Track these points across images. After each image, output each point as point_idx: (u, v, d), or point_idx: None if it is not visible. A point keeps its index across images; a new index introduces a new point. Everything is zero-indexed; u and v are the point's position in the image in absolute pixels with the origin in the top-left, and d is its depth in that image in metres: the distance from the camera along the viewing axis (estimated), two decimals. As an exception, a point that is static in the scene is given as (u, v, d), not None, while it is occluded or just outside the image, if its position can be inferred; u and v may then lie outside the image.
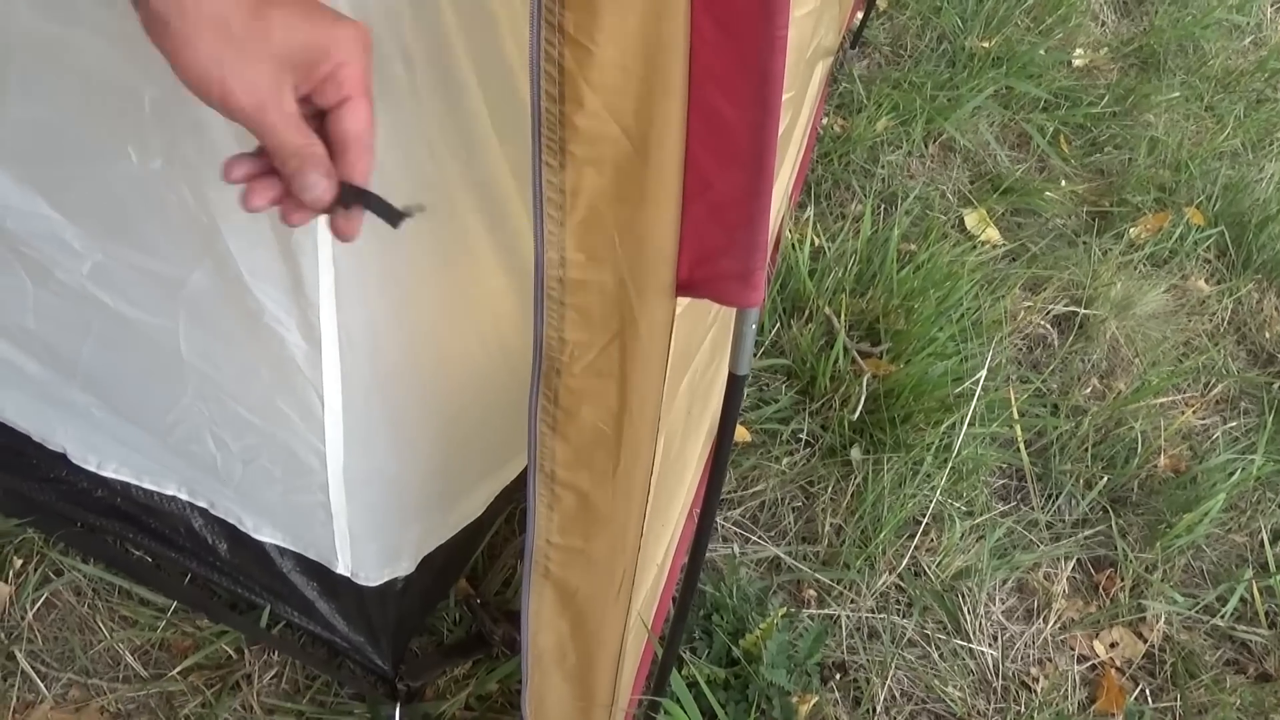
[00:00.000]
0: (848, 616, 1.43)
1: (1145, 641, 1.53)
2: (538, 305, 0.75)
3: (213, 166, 0.84)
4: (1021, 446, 1.68)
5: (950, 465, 1.57)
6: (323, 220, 0.84)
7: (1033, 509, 1.63)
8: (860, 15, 2.50)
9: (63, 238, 0.95)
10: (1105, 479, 1.67)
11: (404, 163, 0.90)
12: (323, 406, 0.97)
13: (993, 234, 2.09)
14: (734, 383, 0.79)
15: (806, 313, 1.76)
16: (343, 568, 1.12)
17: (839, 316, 1.73)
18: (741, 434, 1.57)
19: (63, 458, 1.15)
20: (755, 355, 1.68)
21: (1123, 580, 1.57)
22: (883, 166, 2.17)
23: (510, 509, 1.32)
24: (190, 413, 1.03)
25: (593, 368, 0.77)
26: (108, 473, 1.14)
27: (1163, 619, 1.54)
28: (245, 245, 0.88)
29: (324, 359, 0.94)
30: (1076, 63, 2.65)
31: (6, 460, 1.16)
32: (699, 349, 1.07)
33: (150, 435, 1.08)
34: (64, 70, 0.84)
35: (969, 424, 1.61)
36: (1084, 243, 2.11)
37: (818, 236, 1.91)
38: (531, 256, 1.08)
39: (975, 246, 2.01)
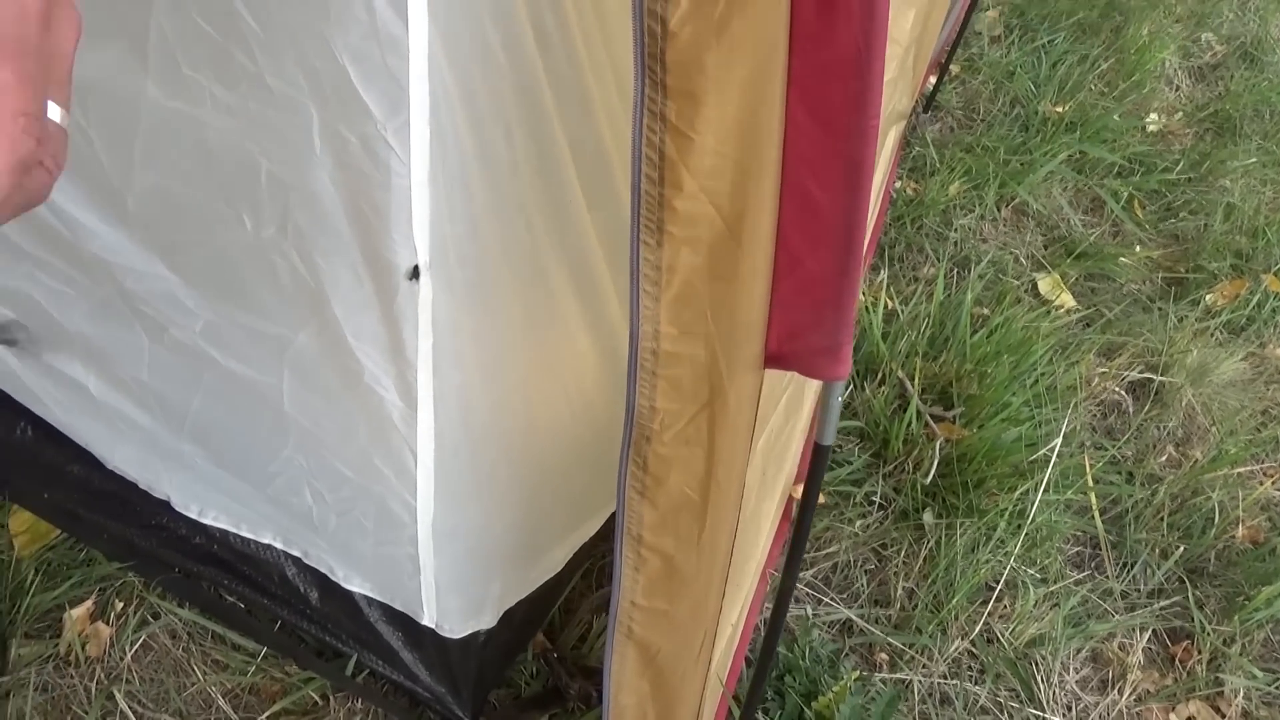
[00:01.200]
0: (920, 682, 1.43)
1: (1223, 717, 1.51)
2: (631, 375, 0.78)
3: (323, 235, 0.89)
4: (1096, 514, 1.67)
5: (1024, 531, 1.57)
6: (424, 289, 0.90)
7: (1107, 578, 1.62)
8: (933, 80, 2.53)
9: (178, 297, 1.00)
10: (1181, 549, 1.66)
11: (501, 231, 0.94)
12: (416, 463, 1.01)
13: (1067, 299, 2.09)
14: (819, 452, 0.81)
15: (880, 375, 1.78)
16: (428, 619, 1.15)
17: (912, 380, 1.75)
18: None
19: (166, 505, 1.20)
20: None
21: (1199, 653, 1.55)
22: (955, 230, 2.18)
23: (587, 565, 1.35)
24: (290, 465, 1.07)
25: (682, 436, 0.80)
26: (208, 520, 1.19)
27: (1241, 694, 1.52)
28: (350, 310, 0.92)
29: (419, 418, 0.98)
30: (1151, 128, 2.65)
31: (113, 508, 1.21)
32: (774, 411, 1.10)
33: (250, 485, 1.13)
34: (187, 143, 0.90)
35: (1043, 490, 1.61)
36: (1159, 309, 2.11)
37: (891, 299, 1.93)
38: (615, 321, 1.12)
39: (1049, 312, 2.01)
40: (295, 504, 1.11)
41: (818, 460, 0.82)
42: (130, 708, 1.23)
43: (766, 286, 0.74)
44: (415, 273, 0.88)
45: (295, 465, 1.07)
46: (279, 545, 1.19)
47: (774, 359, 0.77)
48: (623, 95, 0.98)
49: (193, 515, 1.19)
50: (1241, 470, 1.82)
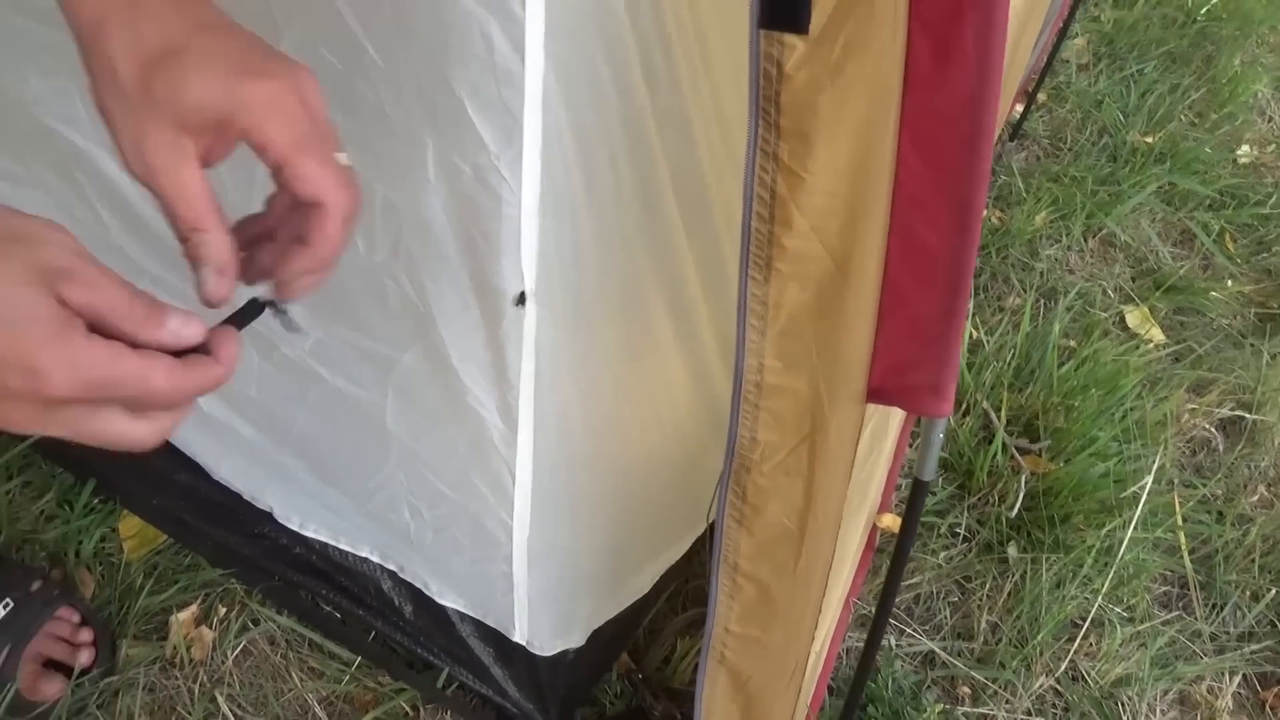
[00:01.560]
0: (1003, 718, 1.43)
1: (1314, 763, 1.48)
2: (734, 407, 0.80)
3: (434, 260, 0.92)
4: (1185, 554, 1.65)
5: (1111, 569, 1.56)
6: (529, 315, 0.92)
7: (1196, 619, 1.60)
8: (1020, 108, 2.52)
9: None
10: (1273, 591, 1.63)
11: (604, 259, 0.97)
12: (514, 483, 1.03)
13: (1156, 333, 2.06)
14: (919, 488, 0.82)
15: (964, 406, 1.77)
16: (519, 636, 1.18)
17: (998, 411, 1.74)
18: (898, 525, 1.58)
19: (269, 516, 1.24)
20: (913, 446, 1.70)
21: (1290, 698, 1.53)
22: (1042, 260, 2.17)
23: (673, 588, 1.37)
24: (390, 481, 1.11)
25: (781, 467, 0.81)
26: (308, 532, 1.23)
27: (1333, 741, 1.49)
28: (456, 333, 0.95)
29: (519, 439, 1.00)
30: (1243, 160, 2.60)
31: (219, 516, 1.26)
32: (859, 441, 1.11)
33: (351, 500, 1.16)
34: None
35: (1131, 527, 1.60)
36: (1251, 345, 2.07)
37: (976, 330, 1.92)
38: (709, 349, 1.14)
39: (1138, 345, 1.99)
40: (393, 519, 1.14)
41: (917, 496, 0.83)
42: (231, 710, 1.27)
43: (872, 323, 0.75)
44: (521, 299, 0.90)
45: (395, 482, 1.10)
46: (376, 559, 1.22)
47: (876, 394, 0.78)
48: (724, 131, 1.00)
49: (294, 527, 1.23)
50: (1337, 512, 1.78)
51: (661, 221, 1.01)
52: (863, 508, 1.37)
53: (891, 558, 0.90)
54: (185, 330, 0.54)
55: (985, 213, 2.28)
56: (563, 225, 0.90)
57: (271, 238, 0.62)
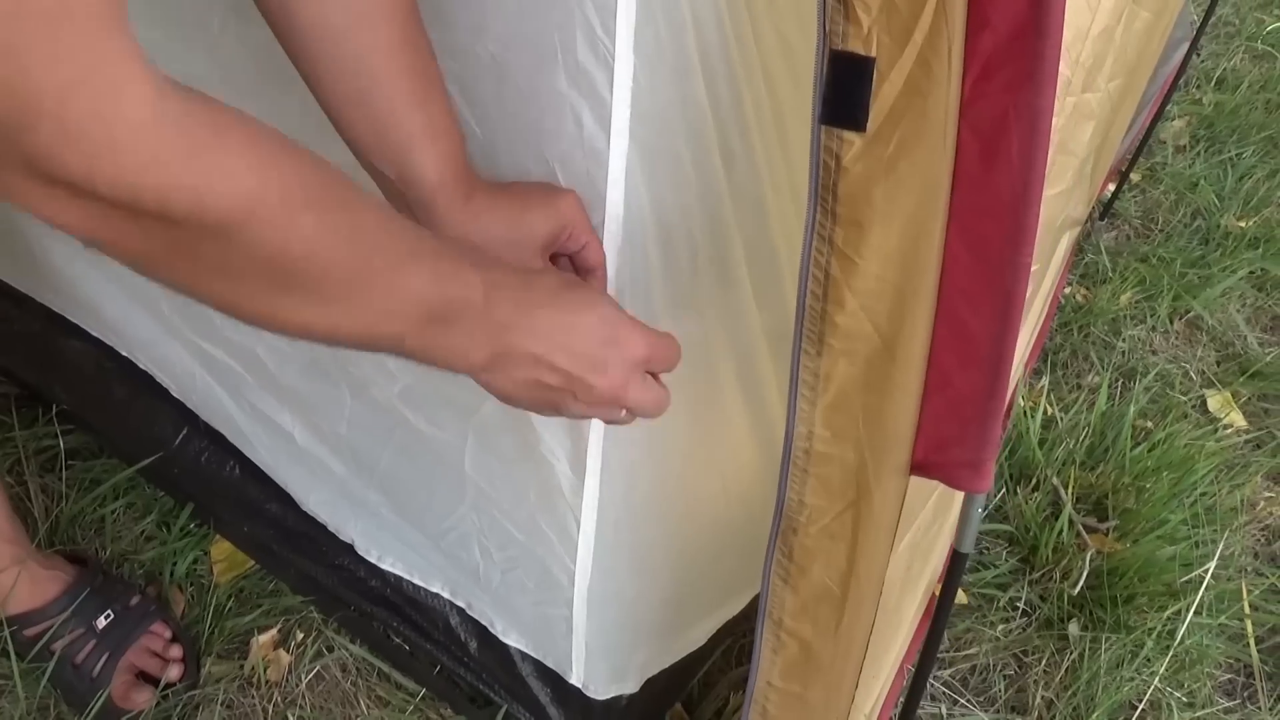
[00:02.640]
0: (1053, 793, 1.43)
1: None
2: (784, 470, 0.84)
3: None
4: (1251, 642, 1.64)
5: (1172, 652, 1.55)
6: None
7: (1260, 708, 1.58)
8: (1112, 187, 2.53)
9: (383, 361, 1.11)
10: (1342, 687, 1.61)
11: (676, 326, 1.02)
12: (578, 531, 1.09)
13: (1237, 419, 2.05)
14: (957, 559, 0.86)
15: (1033, 481, 1.78)
16: (576, 679, 1.23)
17: (1067, 488, 1.75)
18: (959, 596, 1.60)
19: (349, 548, 1.32)
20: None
21: (1355, 797, 1.50)
22: (1124, 340, 2.17)
23: (729, 643, 1.41)
24: (464, 521, 1.17)
25: (827, 531, 0.86)
26: (385, 565, 1.30)
27: (1398, 846, 1.46)
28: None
29: (586, 489, 1.06)
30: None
31: (302, 545, 1.34)
32: (923, 507, 1.14)
33: (426, 537, 1.23)
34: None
35: (1196, 614, 1.59)
36: (1335, 436, 2.05)
37: (1051, 405, 1.94)
38: (775, 415, 1.19)
39: (1216, 430, 1.98)
40: (465, 558, 1.20)
41: (955, 567, 0.87)
42: (303, 733, 1.34)
43: (917, 400, 0.80)
44: (595, 357, 0.96)
45: (468, 522, 1.16)
46: (446, 595, 1.28)
47: (919, 467, 0.83)
48: (798, 208, 1.05)
49: (372, 560, 1.30)
50: None
51: (734, 293, 1.07)
52: (923, 575, 1.40)
53: (930, 625, 0.94)
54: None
55: (1070, 289, 2.29)
56: (638, 293, 0.96)
57: None
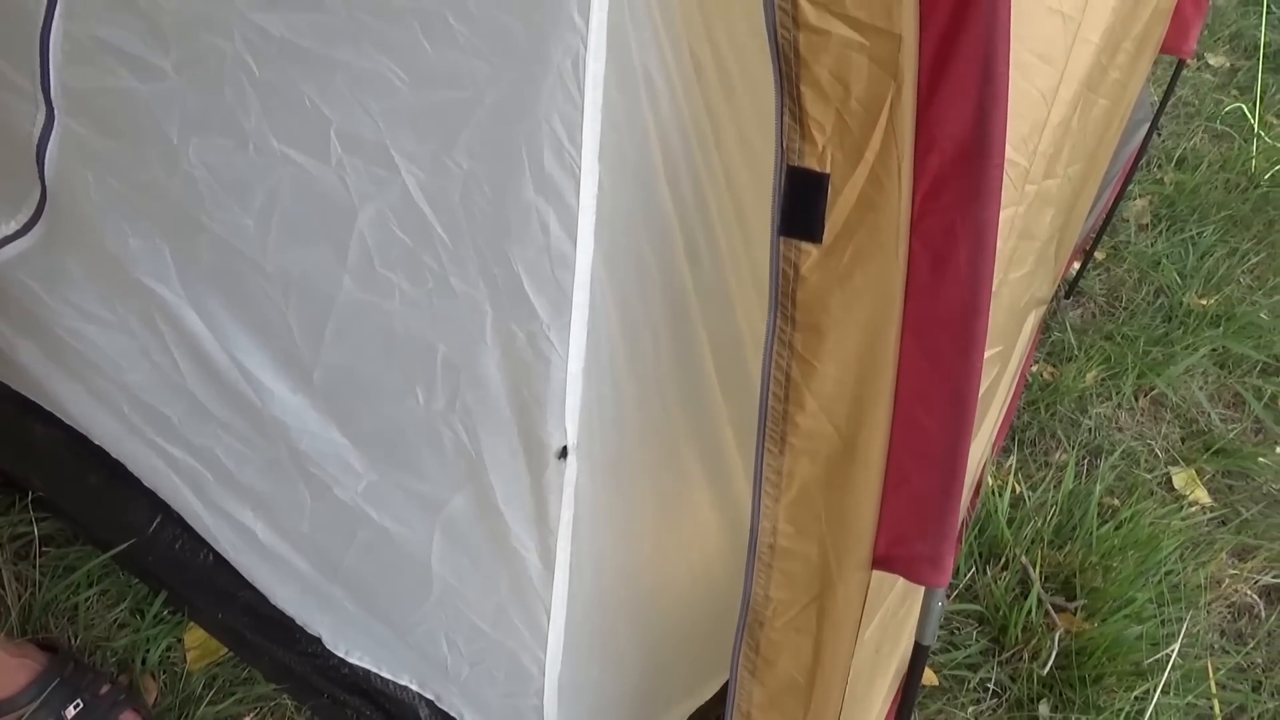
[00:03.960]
0: None
1: None
2: (749, 565, 0.86)
3: (487, 413, 1.01)
4: (1219, 721, 1.65)
5: (1140, 733, 1.57)
6: (570, 468, 1.00)
7: (1229, 788, 1.59)
8: (1077, 266, 2.58)
9: (347, 460, 1.13)
10: (1310, 765, 1.62)
11: (643, 418, 1.05)
12: (549, 621, 1.10)
13: (1201, 495, 2.08)
14: (919, 651, 0.88)
15: (1002, 560, 1.80)
16: (548, 768, 1.23)
17: (1035, 567, 1.77)
18: (929, 678, 1.61)
19: (319, 639, 1.32)
20: (949, 598, 1.73)
21: None
22: (1090, 418, 2.21)
23: (701, 729, 1.41)
24: (430, 617, 1.18)
25: (792, 624, 0.87)
26: (353, 659, 1.30)
27: None
28: (504, 479, 1.03)
29: (555, 580, 1.07)
30: (1300, 325, 2.63)
31: (277, 634, 1.34)
32: (891, 589, 1.16)
33: (393, 631, 1.24)
34: (373, 329, 1.03)
35: (1164, 693, 1.61)
36: (1299, 512, 2.08)
37: (1019, 484, 1.96)
38: (742, 502, 1.21)
39: (1181, 508, 2.01)
40: (432, 652, 1.20)
41: (917, 658, 0.88)
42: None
43: (877, 497, 0.82)
44: (564, 453, 0.98)
45: (435, 617, 1.17)
46: (415, 687, 1.28)
47: (881, 562, 0.85)
48: (762, 301, 1.08)
49: (340, 654, 1.30)
50: (1381, 689, 1.77)
51: (700, 384, 1.09)
52: (893, 656, 1.41)
53: (897, 700, 0.95)
54: None
55: (1037, 367, 2.33)
56: (605, 387, 0.98)
57: None
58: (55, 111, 1.12)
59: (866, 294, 0.74)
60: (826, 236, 0.73)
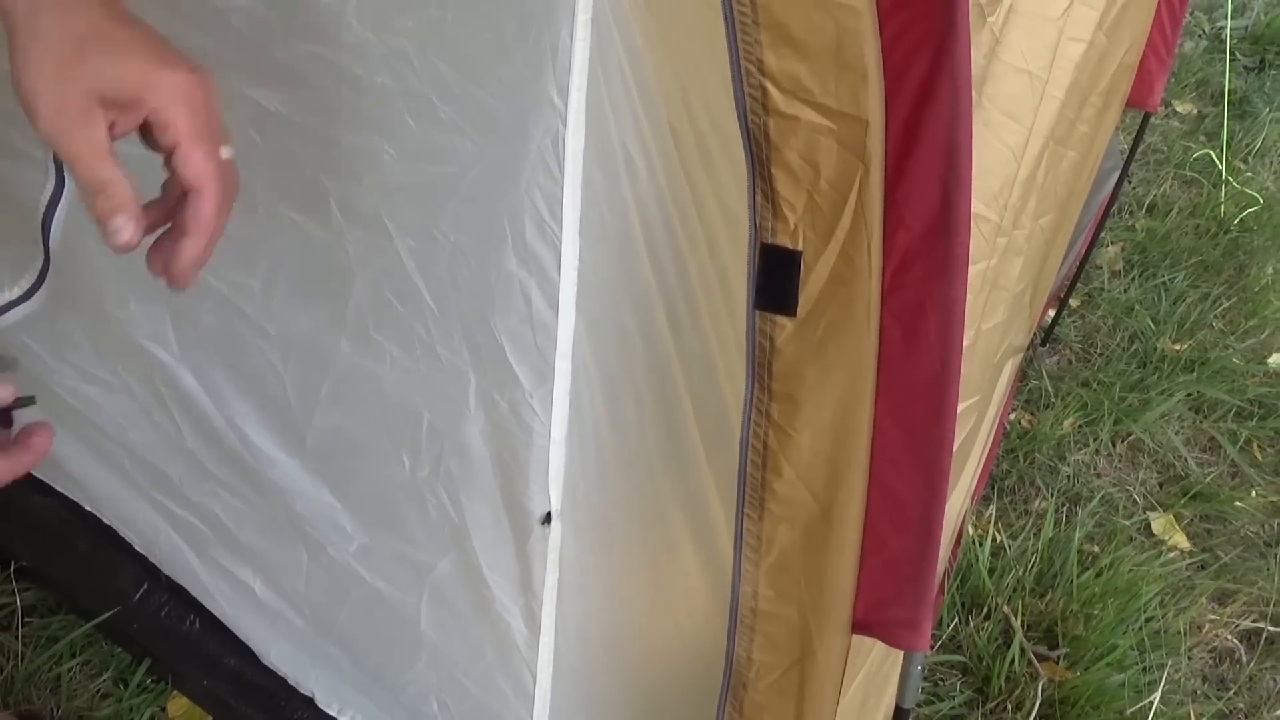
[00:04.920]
0: None
1: None
2: (731, 628, 0.88)
3: (470, 479, 1.03)
4: (1203, 768, 1.67)
5: (1125, 782, 1.58)
6: (554, 533, 1.01)
7: (1215, 836, 1.60)
8: (1052, 313, 2.61)
9: (338, 521, 1.14)
10: (1293, 811, 1.63)
11: (626, 484, 1.06)
12: (534, 684, 1.11)
13: (1180, 540, 2.10)
14: (899, 715, 0.89)
15: (985, 610, 1.82)
16: (536, 830, 1.23)
17: (1017, 616, 1.78)
18: (916, 732, 1.62)
19: (308, 702, 1.32)
20: (932, 649, 1.75)
21: None
22: (1069, 465, 2.23)
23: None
24: (421, 676, 1.19)
25: (775, 686, 0.89)
26: (345, 718, 1.31)
27: None
28: (487, 544, 1.05)
29: (540, 644, 1.08)
30: (1274, 368, 2.66)
31: (261, 700, 1.34)
32: (874, 646, 1.17)
33: (386, 690, 1.24)
34: (365, 392, 1.05)
35: (1146, 740, 1.62)
36: (1277, 555, 2.10)
37: (999, 533, 1.98)
38: (727, 562, 1.22)
39: (1160, 554, 2.03)
40: (424, 711, 1.21)
41: (899, 720, 0.90)
42: None
43: (855, 562, 0.84)
44: (548, 518, 1.00)
45: (426, 678, 1.18)
46: (406, 747, 1.29)
47: (861, 626, 0.86)
48: (745, 363, 1.10)
49: (333, 713, 1.31)
50: (1361, 732, 1.79)
51: (684, 447, 1.10)
52: (878, 710, 1.42)
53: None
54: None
55: (1015, 415, 2.36)
56: (588, 453, 1.00)
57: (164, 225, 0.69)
58: (66, 179, 1.13)
59: (840, 365, 0.76)
60: (800, 310, 0.75)
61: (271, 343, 1.09)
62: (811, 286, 0.74)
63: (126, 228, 0.65)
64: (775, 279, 0.75)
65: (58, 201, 1.17)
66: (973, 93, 1.04)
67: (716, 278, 1.02)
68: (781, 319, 0.76)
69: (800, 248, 0.73)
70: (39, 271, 1.22)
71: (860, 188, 0.69)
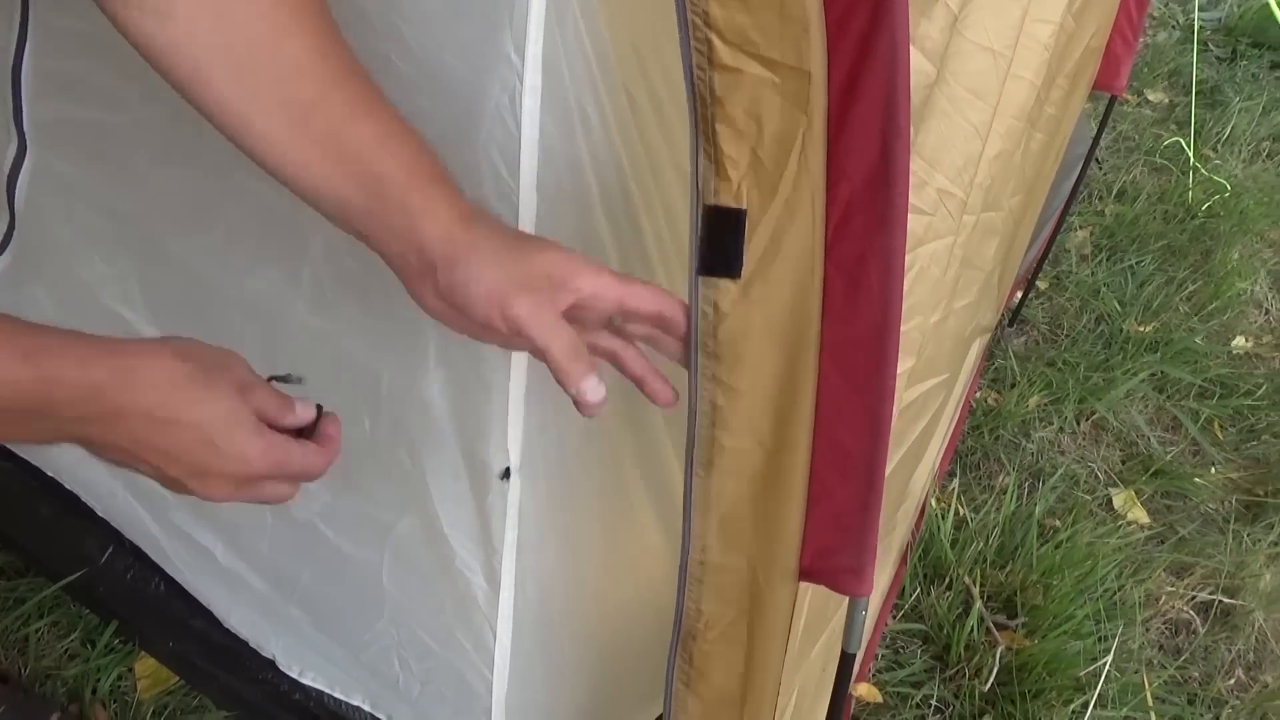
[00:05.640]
0: None
1: None
2: (681, 581, 0.90)
3: (430, 437, 1.04)
4: (1155, 733, 1.70)
5: (1077, 747, 1.61)
6: (513, 488, 1.03)
7: (1166, 800, 1.64)
8: (1020, 295, 2.64)
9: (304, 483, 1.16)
10: (1242, 776, 1.67)
11: (586, 439, 1.08)
12: (495, 641, 1.13)
13: (1139, 515, 2.14)
14: (845, 660, 0.91)
15: (946, 581, 1.85)
16: (496, 787, 1.25)
17: (977, 586, 1.81)
18: (873, 695, 1.64)
19: (271, 663, 1.34)
20: (894, 618, 1.78)
21: None
22: (1033, 442, 2.26)
23: (649, 748, 1.43)
24: (383, 635, 1.20)
25: (724, 636, 0.91)
26: (307, 680, 1.32)
27: None
28: (448, 502, 1.06)
29: (501, 600, 1.10)
30: (1237, 350, 2.70)
31: (228, 661, 1.35)
32: (837, 613, 1.20)
33: (347, 650, 1.26)
34: (323, 353, 1.06)
35: (1102, 706, 1.65)
36: (1234, 530, 2.14)
37: (962, 507, 2.01)
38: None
39: (1119, 527, 2.06)
40: (385, 671, 1.23)
41: (844, 667, 0.92)
42: (223, 847, 1.34)
43: (801, 512, 0.86)
44: (507, 474, 1.02)
45: (388, 635, 1.20)
46: (367, 708, 1.30)
47: (806, 574, 0.88)
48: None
49: (294, 675, 1.32)
50: (1312, 700, 1.83)
51: (640, 407, 1.12)
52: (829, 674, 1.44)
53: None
54: (306, 412, 0.79)
55: (981, 394, 2.39)
56: (546, 410, 1.01)
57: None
58: (28, 143, 1.14)
59: (784, 320, 0.77)
60: (745, 269, 0.76)
61: (230, 306, 1.10)
62: (756, 244, 0.75)
63: (600, 387, 0.78)
64: (719, 240, 0.75)
65: (21, 165, 1.18)
66: (936, 68, 1.07)
67: (672, 240, 1.04)
68: (726, 282, 0.77)
69: (744, 205, 0.74)
70: (4, 233, 1.23)
71: (804, 141, 0.71)
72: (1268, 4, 4.09)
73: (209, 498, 0.72)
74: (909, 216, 0.76)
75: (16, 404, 0.63)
